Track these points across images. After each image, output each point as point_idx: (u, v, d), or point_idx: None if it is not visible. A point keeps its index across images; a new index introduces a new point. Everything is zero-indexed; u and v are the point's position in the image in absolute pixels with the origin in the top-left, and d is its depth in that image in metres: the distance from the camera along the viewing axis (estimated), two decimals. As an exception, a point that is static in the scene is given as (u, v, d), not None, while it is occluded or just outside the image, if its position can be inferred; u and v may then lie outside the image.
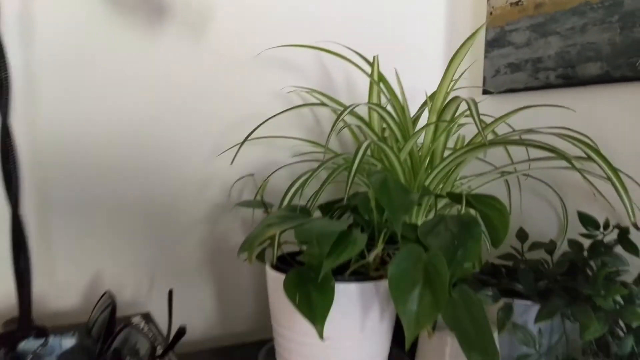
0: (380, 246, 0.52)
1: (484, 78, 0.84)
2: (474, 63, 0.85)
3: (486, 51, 0.83)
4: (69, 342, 0.56)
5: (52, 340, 0.56)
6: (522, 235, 0.69)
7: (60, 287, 0.66)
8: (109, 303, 0.55)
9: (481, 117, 0.71)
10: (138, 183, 0.69)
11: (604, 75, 0.66)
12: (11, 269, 0.63)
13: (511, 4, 0.79)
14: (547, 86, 0.73)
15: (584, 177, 0.64)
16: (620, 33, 0.64)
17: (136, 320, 0.62)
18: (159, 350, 0.49)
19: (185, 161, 0.71)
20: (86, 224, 0.67)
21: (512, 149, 0.75)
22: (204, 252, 0.74)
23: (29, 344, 0.54)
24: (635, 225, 0.54)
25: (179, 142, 0.70)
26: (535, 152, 0.69)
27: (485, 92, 0.84)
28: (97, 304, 0.58)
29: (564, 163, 0.60)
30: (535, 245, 0.67)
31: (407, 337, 0.44)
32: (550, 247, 0.66)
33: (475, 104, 0.54)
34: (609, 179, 0.50)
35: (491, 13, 0.82)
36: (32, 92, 0.62)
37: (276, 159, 0.76)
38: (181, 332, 0.49)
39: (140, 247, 0.70)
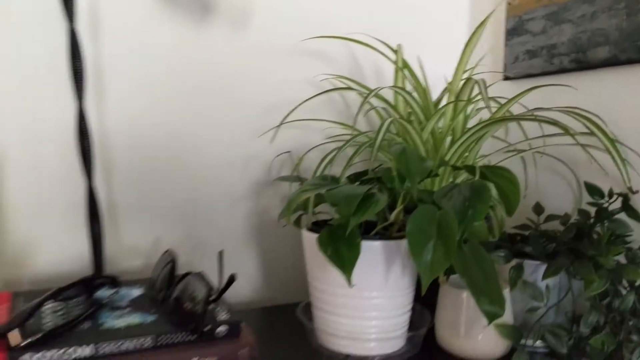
0: (400, 206, 0.60)
1: (505, 65, 0.90)
2: (495, 51, 0.91)
3: (506, 39, 0.89)
4: (136, 291, 0.66)
5: (123, 290, 0.66)
6: (538, 208, 0.75)
7: (126, 251, 0.76)
8: (170, 259, 0.64)
9: (499, 98, 0.78)
10: (188, 162, 0.78)
11: (611, 59, 0.71)
12: (86, 233, 0.73)
13: (528, -6, 0.85)
14: (561, 70, 0.79)
15: (585, 150, 0.70)
16: (626, 19, 0.70)
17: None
18: (213, 296, 0.57)
19: (230, 142, 0.80)
20: (145, 198, 0.77)
21: (529, 131, 0.81)
22: (247, 224, 0.83)
23: (104, 292, 0.64)
24: (630, 190, 0.60)
25: (224, 125, 0.80)
26: (548, 131, 0.75)
27: (506, 77, 0.90)
28: (159, 260, 0.67)
29: (574, 140, 0.66)
30: (550, 218, 0.73)
31: (422, 283, 0.52)
32: (564, 219, 0.71)
33: (485, 83, 0.60)
34: (606, 149, 0.57)
35: (510, 3, 0.88)
36: (99, 80, 0.72)
37: (310, 141, 0.85)
38: (232, 279, 0.57)
39: (192, 219, 0.80)
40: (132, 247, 0.76)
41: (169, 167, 0.77)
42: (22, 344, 0.49)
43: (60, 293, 0.58)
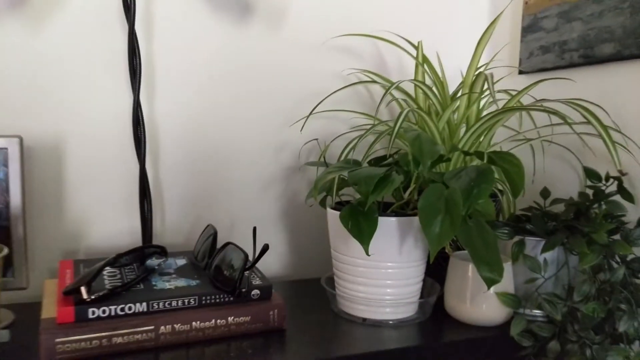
0: (413, 185, 0.67)
1: (520, 60, 0.95)
2: (512, 46, 0.97)
3: (522, 36, 0.95)
4: (180, 261, 0.75)
5: (170, 259, 0.76)
6: (545, 193, 0.82)
7: (170, 227, 0.85)
8: (212, 232, 0.73)
9: (510, 90, 0.84)
10: (226, 148, 0.87)
11: (616, 54, 0.77)
12: (135, 211, 0.83)
13: (542, -7, 0.90)
14: (571, 65, 0.85)
15: (579, 136, 0.76)
16: (629, 17, 0.75)
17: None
18: (249, 264, 0.66)
19: (263, 131, 0.89)
20: (188, 180, 0.86)
21: (539, 121, 0.87)
22: (277, 206, 0.92)
23: (154, 261, 0.73)
24: (620, 172, 0.66)
25: (259, 115, 0.88)
26: (556, 121, 0.81)
27: (521, 72, 0.96)
28: (201, 234, 0.77)
29: (580, 129, 0.72)
30: (555, 201, 0.80)
31: (431, 252, 0.59)
32: (569, 202, 0.78)
33: (492, 77, 0.67)
34: (600, 135, 0.63)
35: (526, 2, 0.94)
36: (151, 74, 0.82)
37: (337, 130, 0.93)
38: (265, 248, 0.66)
39: (228, 201, 0.89)
40: (176, 224, 0.86)
41: (209, 153, 0.86)
42: (89, 299, 0.59)
43: (119, 259, 0.67)
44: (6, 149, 0.66)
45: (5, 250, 0.63)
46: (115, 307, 0.60)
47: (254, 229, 0.71)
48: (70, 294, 0.60)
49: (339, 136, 0.92)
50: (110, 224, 0.82)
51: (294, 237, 0.93)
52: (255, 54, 0.87)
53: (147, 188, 0.78)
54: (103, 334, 0.58)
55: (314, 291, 0.83)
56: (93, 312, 0.59)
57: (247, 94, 0.87)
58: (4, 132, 0.74)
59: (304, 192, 0.93)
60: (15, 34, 0.74)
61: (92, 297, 0.59)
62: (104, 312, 0.59)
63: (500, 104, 0.89)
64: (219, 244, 0.86)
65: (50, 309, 0.62)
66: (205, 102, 0.85)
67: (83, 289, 0.59)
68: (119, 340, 0.59)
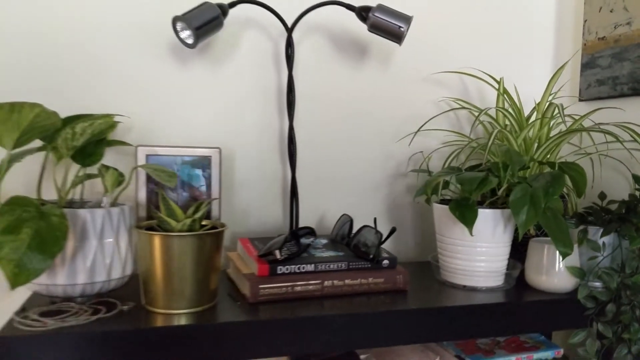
0: (504, 186, 0.91)
1: (580, 90, 1.18)
2: (573, 80, 1.20)
3: (582, 71, 1.18)
4: (323, 240, 1.01)
5: (317, 239, 1.02)
6: (602, 195, 1.04)
7: (304, 216, 1.12)
8: (349, 219, 0.99)
9: (574, 115, 1.07)
10: (346, 160, 1.13)
11: (659, 88, 1.00)
12: (281, 204, 1.09)
13: (598, 38, 1.13)
14: (622, 95, 1.07)
15: (629, 151, 0.99)
16: (669, 60, 0.98)
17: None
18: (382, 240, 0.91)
19: (374, 147, 1.15)
20: (317, 182, 1.12)
21: (597, 139, 1.09)
22: (385, 204, 1.17)
23: (307, 239, 0.99)
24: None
25: (370, 134, 1.14)
26: (611, 140, 1.04)
27: (580, 100, 1.19)
28: (337, 221, 1.02)
29: (629, 146, 0.95)
30: (610, 202, 1.02)
31: (520, 233, 0.83)
32: (621, 201, 1.00)
33: (562, 107, 0.91)
34: (645, 150, 0.86)
35: (585, 44, 1.17)
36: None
37: (431, 145, 1.18)
38: (393, 230, 0.91)
39: (346, 199, 1.14)
40: (308, 213, 1.12)
41: (333, 162, 1.13)
42: (281, 259, 0.85)
43: (293, 235, 0.93)
44: (210, 156, 0.94)
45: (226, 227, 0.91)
46: (294, 266, 0.86)
47: (375, 219, 0.96)
48: (264, 257, 0.86)
49: (435, 150, 1.17)
50: (265, 214, 1.09)
51: (398, 229, 1.18)
52: (368, 87, 1.13)
53: (296, 190, 1.05)
54: (288, 284, 0.84)
55: (420, 268, 1.08)
56: (280, 269, 0.86)
57: (363, 118, 1.13)
58: (205, 144, 1.03)
59: (404, 195, 1.18)
60: (202, 69, 1.03)
61: (283, 257, 0.85)
62: (287, 269, 0.86)
63: (564, 126, 1.12)
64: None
65: (245, 269, 0.88)
66: (331, 125, 1.12)
67: (277, 252, 0.85)
68: (298, 289, 0.85)
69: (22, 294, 0.97)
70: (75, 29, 0.96)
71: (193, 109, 1.03)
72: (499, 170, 0.92)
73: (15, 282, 0.66)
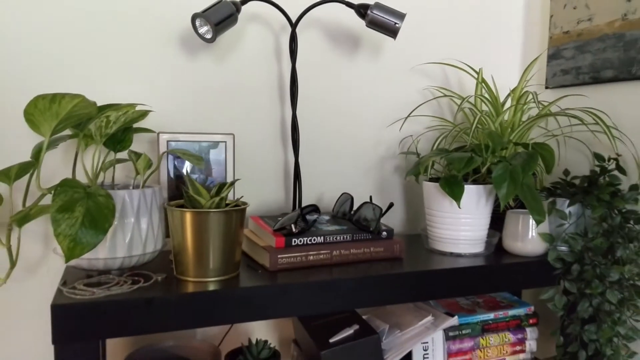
0: (487, 164, 1.04)
1: (546, 79, 1.32)
2: (540, 69, 1.34)
3: (548, 61, 1.32)
4: (325, 216, 1.12)
5: (320, 216, 1.13)
6: (566, 172, 1.18)
7: (306, 196, 1.22)
8: (350, 197, 1.10)
9: (543, 101, 1.20)
10: (342, 144, 1.24)
11: (614, 77, 1.14)
12: (284, 185, 1.20)
13: (563, 32, 1.27)
14: (583, 84, 1.22)
15: (592, 132, 1.13)
16: (623, 53, 1.12)
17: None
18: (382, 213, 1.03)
19: (367, 131, 1.26)
20: (317, 164, 1.23)
21: (562, 123, 1.24)
22: (375, 183, 1.29)
23: (312, 216, 1.10)
24: (617, 154, 1.03)
25: (363, 120, 1.25)
26: (574, 123, 1.18)
27: (547, 87, 1.33)
28: (338, 199, 1.13)
29: (592, 128, 1.09)
30: (574, 178, 1.16)
31: (501, 204, 0.96)
32: (584, 176, 1.14)
33: (536, 94, 1.04)
34: (604, 131, 1.00)
35: (551, 37, 1.31)
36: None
37: (416, 130, 1.30)
38: (391, 205, 1.03)
39: (342, 180, 1.25)
40: (309, 193, 1.23)
41: (331, 146, 1.23)
42: (296, 231, 0.96)
43: (302, 212, 1.03)
44: (225, 142, 1.03)
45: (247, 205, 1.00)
46: (306, 238, 0.97)
47: (370, 197, 1.07)
48: (279, 230, 0.97)
49: (421, 135, 1.29)
50: (269, 194, 1.19)
51: (386, 203, 1.30)
52: (361, 77, 1.24)
53: (299, 172, 1.15)
54: (302, 253, 0.95)
55: (410, 239, 1.20)
56: (294, 241, 0.96)
57: (356, 105, 1.24)
58: (221, 131, 1.12)
59: (394, 175, 1.30)
60: (208, 62, 1.12)
61: (296, 230, 0.96)
62: (300, 241, 0.97)
63: (535, 111, 1.26)
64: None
65: (263, 242, 0.99)
66: (329, 110, 1.22)
67: (292, 226, 0.96)
68: (311, 257, 0.96)
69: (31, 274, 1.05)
70: (99, 28, 1.03)
71: (202, 98, 1.11)
72: (481, 150, 1.05)
73: (70, 255, 0.74)
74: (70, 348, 0.76)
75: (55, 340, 0.75)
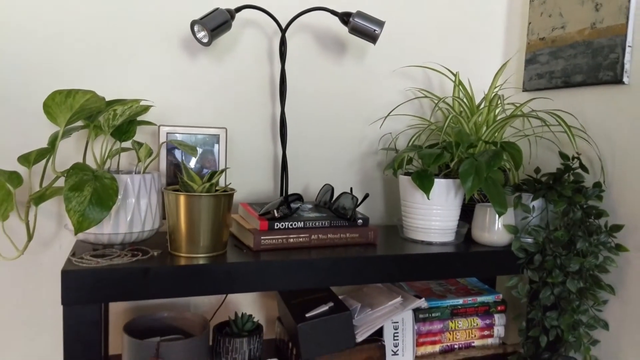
0: (455, 160, 1.14)
1: (523, 82, 1.42)
2: (518, 73, 1.44)
3: (525, 66, 1.41)
4: (308, 205, 1.23)
5: (303, 204, 1.23)
6: (537, 170, 1.27)
7: (292, 187, 1.33)
8: (330, 187, 1.21)
9: (515, 103, 1.30)
10: (329, 139, 1.35)
11: (583, 82, 1.23)
12: (272, 175, 1.31)
13: (539, 39, 1.36)
14: (556, 87, 1.31)
15: (553, 133, 1.22)
16: (591, 59, 1.21)
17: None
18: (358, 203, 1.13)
19: (350, 128, 1.36)
20: (303, 160, 1.34)
21: (535, 123, 1.33)
22: (358, 176, 1.39)
23: (296, 203, 1.21)
24: (577, 152, 1.12)
25: (347, 118, 1.36)
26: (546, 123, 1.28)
27: (524, 90, 1.42)
28: (320, 189, 1.24)
29: (559, 129, 1.18)
30: (543, 175, 1.25)
31: (466, 197, 1.06)
32: (549, 173, 1.23)
33: (503, 97, 1.14)
34: (565, 131, 1.09)
35: (528, 43, 1.40)
36: (285, 91, 1.30)
37: (398, 128, 1.40)
38: (366, 196, 1.13)
39: (325, 173, 1.36)
40: (295, 184, 1.34)
41: (316, 141, 1.34)
42: (278, 217, 1.07)
43: (286, 200, 1.15)
44: (218, 135, 1.15)
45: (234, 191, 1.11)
46: (287, 223, 1.08)
47: (351, 188, 1.18)
48: (264, 215, 1.08)
49: (401, 132, 1.39)
50: (259, 184, 1.31)
51: (369, 197, 1.41)
52: (346, 78, 1.35)
53: (286, 164, 1.26)
54: (283, 236, 1.06)
55: (387, 230, 1.30)
56: (277, 225, 1.07)
57: (341, 104, 1.35)
58: (216, 125, 1.23)
59: (375, 169, 1.40)
60: (206, 63, 1.23)
61: (279, 216, 1.07)
62: (282, 225, 1.07)
63: (510, 112, 1.35)
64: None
65: (249, 225, 1.10)
66: (316, 110, 1.33)
67: (275, 212, 1.07)
68: (291, 240, 1.07)
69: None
70: (109, 30, 1.15)
71: (200, 95, 1.23)
72: (452, 147, 1.15)
73: (79, 228, 0.86)
74: (77, 309, 0.89)
75: (64, 302, 0.87)
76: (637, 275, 1.09)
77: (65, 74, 1.14)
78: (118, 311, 1.24)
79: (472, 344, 1.25)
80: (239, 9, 1.12)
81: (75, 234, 0.86)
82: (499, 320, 1.27)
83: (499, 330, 1.28)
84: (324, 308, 1.09)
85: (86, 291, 0.88)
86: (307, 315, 1.07)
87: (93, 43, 1.15)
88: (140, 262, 0.94)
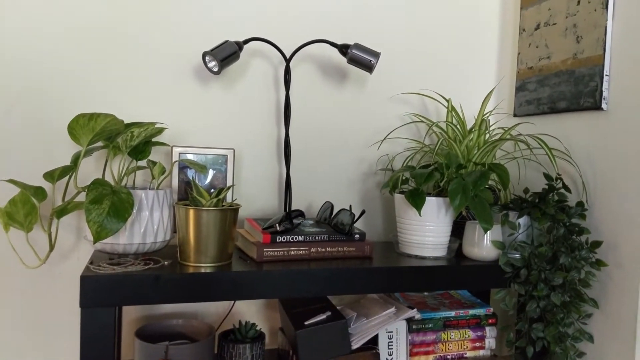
0: (445, 179, 1.22)
1: (514, 108, 1.50)
2: (509, 99, 1.52)
3: (516, 93, 1.50)
4: (310, 221, 1.32)
5: (305, 220, 1.32)
6: (526, 190, 1.35)
7: (295, 204, 1.42)
8: (330, 205, 1.29)
9: (503, 127, 1.38)
10: (330, 160, 1.44)
11: (567, 108, 1.31)
12: (277, 193, 1.40)
13: (528, 68, 1.45)
14: (543, 113, 1.39)
15: (534, 154, 1.31)
16: (574, 87, 1.30)
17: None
18: (355, 219, 1.21)
19: (351, 150, 1.45)
20: (306, 177, 1.43)
21: (523, 146, 1.41)
22: (359, 195, 1.48)
23: (298, 219, 1.29)
24: (558, 174, 1.20)
25: (348, 141, 1.45)
26: (533, 146, 1.36)
27: (515, 116, 1.51)
28: (321, 207, 1.33)
29: (540, 151, 1.27)
30: (531, 195, 1.33)
31: (454, 214, 1.14)
32: (534, 192, 1.31)
33: (488, 122, 1.22)
34: (547, 154, 1.17)
35: (518, 72, 1.49)
36: (289, 116, 1.39)
37: (396, 150, 1.49)
38: (362, 212, 1.22)
39: (327, 191, 1.45)
40: (299, 202, 1.43)
41: (319, 162, 1.43)
42: (280, 230, 1.16)
43: (288, 215, 1.23)
44: (227, 155, 1.25)
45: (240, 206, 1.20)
46: (289, 237, 1.16)
47: (350, 206, 1.26)
48: (267, 229, 1.17)
49: (398, 154, 1.48)
50: (264, 201, 1.40)
51: (366, 215, 1.49)
52: (347, 104, 1.45)
53: (290, 183, 1.35)
54: (284, 249, 1.15)
55: (382, 246, 1.38)
56: (279, 238, 1.16)
57: (342, 128, 1.44)
58: (224, 146, 1.33)
59: (374, 189, 1.49)
60: (217, 89, 1.34)
61: (281, 229, 1.16)
62: (284, 239, 1.16)
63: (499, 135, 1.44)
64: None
65: (253, 238, 1.18)
66: (318, 134, 1.43)
67: (277, 226, 1.15)
68: (292, 252, 1.15)
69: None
70: (128, 60, 1.26)
71: (210, 119, 1.33)
72: (442, 168, 1.23)
73: (97, 237, 0.95)
74: (93, 312, 0.97)
75: (82, 305, 0.96)
76: (619, 290, 1.16)
77: (87, 99, 1.25)
78: (130, 319, 1.32)
79: (465, 355, 1.31)
80: (247, 41, 1.23)
81: (94, 242, 0.95)
82: (490, 332, 1.33)
83: (490, 342, 1.34)
84: (322, 317, 1.17)
85: (102, 295, 0.97)
86: (305, 322, 1.15)
87: (114, 72, 1.26)
88: (152, 270, 1.02)
